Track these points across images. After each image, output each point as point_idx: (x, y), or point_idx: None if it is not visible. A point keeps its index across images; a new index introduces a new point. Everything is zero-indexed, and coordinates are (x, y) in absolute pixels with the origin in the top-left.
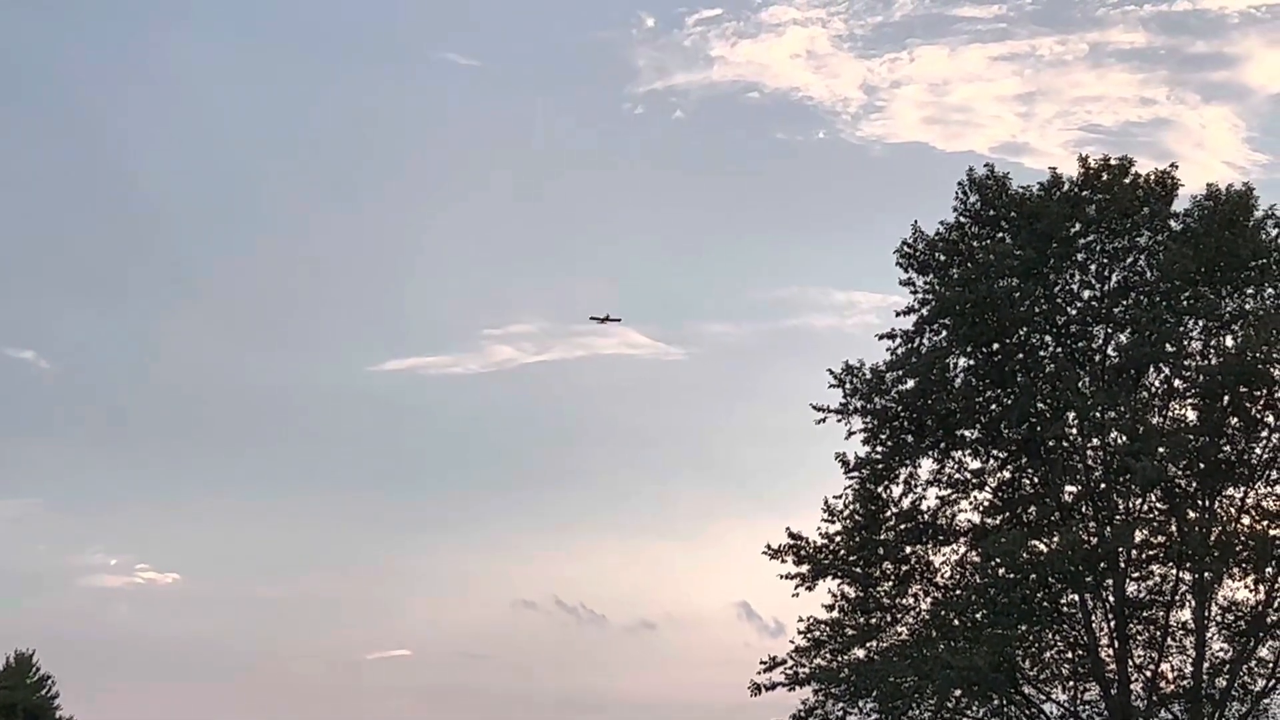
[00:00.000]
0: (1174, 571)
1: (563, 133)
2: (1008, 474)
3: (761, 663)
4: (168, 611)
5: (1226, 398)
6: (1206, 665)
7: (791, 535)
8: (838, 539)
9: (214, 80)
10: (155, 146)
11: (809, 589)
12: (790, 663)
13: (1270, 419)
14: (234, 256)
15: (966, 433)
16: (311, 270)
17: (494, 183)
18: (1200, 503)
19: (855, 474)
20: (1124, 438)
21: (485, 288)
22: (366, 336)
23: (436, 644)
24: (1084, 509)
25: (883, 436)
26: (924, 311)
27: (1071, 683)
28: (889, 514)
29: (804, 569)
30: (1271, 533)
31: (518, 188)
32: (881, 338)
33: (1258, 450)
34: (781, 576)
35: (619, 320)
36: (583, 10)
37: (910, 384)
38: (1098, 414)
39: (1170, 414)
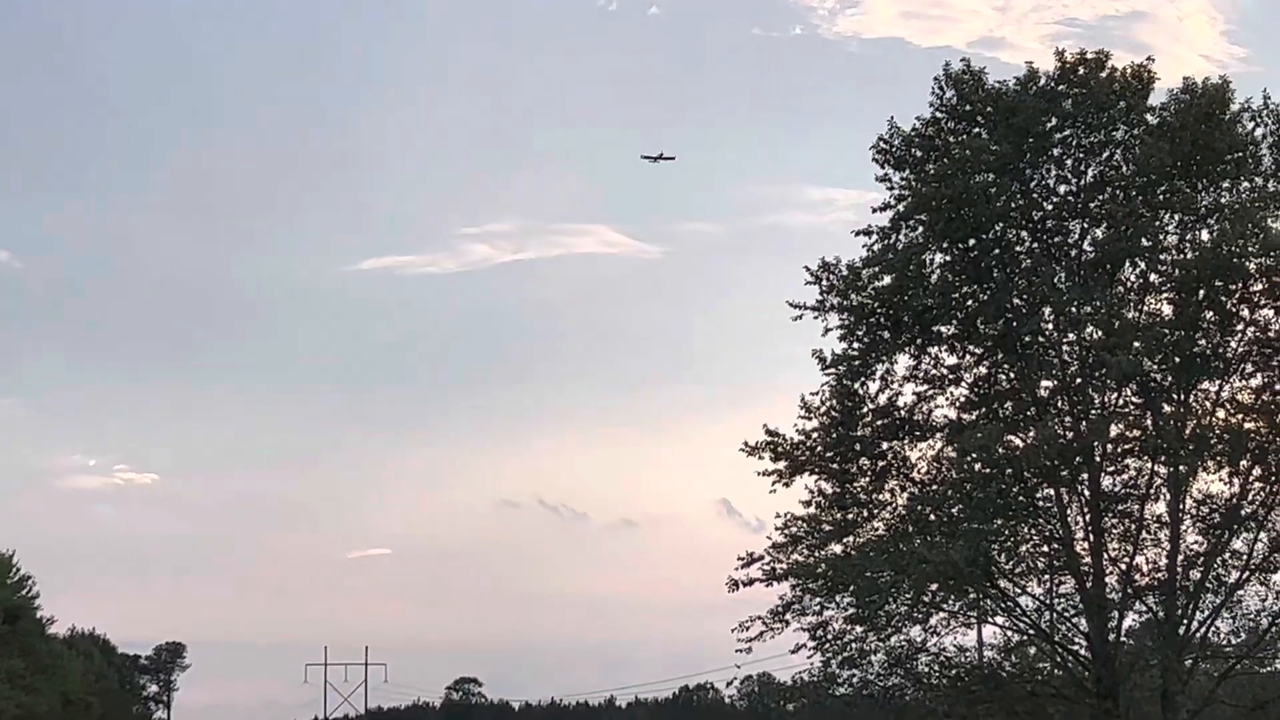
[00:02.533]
0: (1149, 465)
1: (537, 29)
2: (984, 369)
3: (739, 559)
4: (147, 511)
5: (1202, 292)
6: (1181, 558)
7: (769, 432)
8: (815, 435)
9: None
10: (120, 43)
11: (786, 485)
12: (768, 559)
13: (1245, 313)
14: (206, 154)
15: (943, 328)
16: (284, 168)
17: (468, 81)
18: (1175, 397)
19: (832, 370)
20: (1099, 332)
21: (460, 187)
22: (341, 235)
23: (416, 542)
24: (1060, 404)
25: (859, 333)
26: (900, 208)
27: (1047, 576)
28: (865, 410)
29: (781, 465)
30: (1246, 426)
31: (492, 87)
32: (858, 234)
33: (1232, 344)
34: (759, 473)
35: (673, 159)
36: None
37: (887, 280)
38: (1073, 309)
39: (1146, 308)
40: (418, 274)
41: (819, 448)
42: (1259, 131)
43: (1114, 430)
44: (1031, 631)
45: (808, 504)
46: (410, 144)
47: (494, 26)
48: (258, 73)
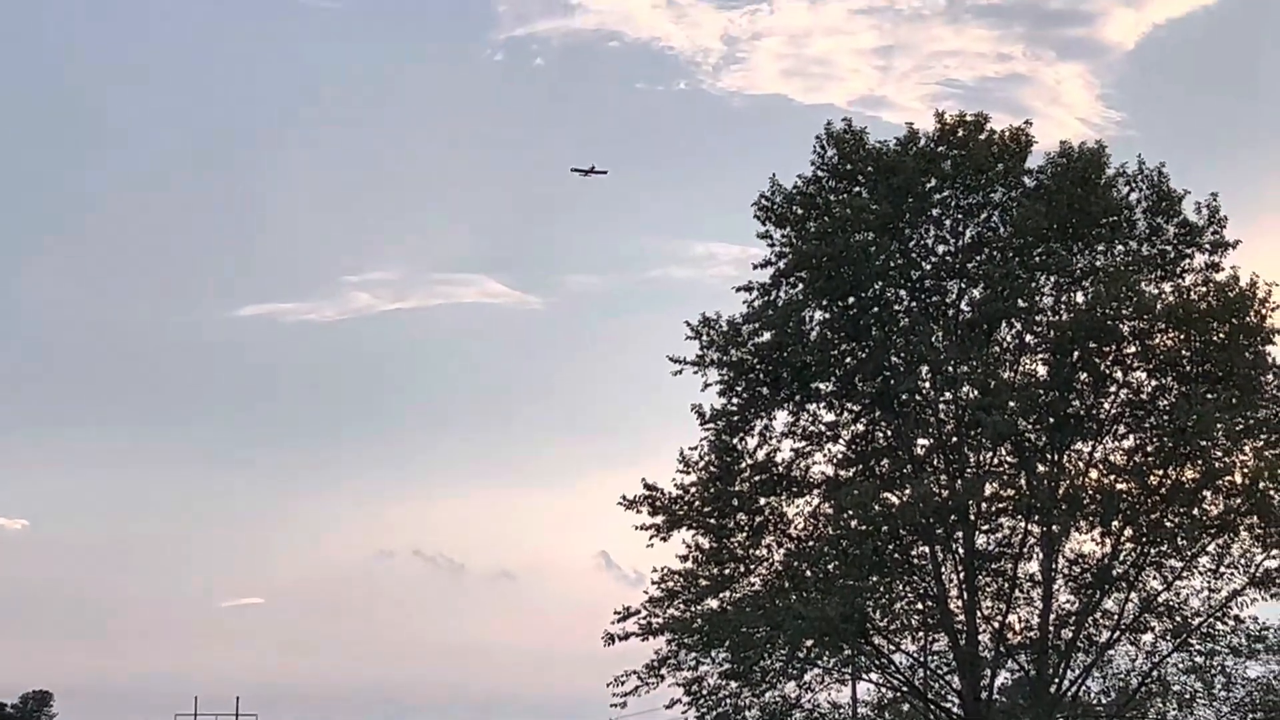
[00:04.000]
0: (1023, 524)
1: (424, 78)
2: (862, 426)
3: (615, 613)
4: (17, 557)
5: (1076, 353)
6: (1053, 617)
7: (647, 486)
8: (693, 490)
9: (64, 15)
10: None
11: (664, 540)
12: (644, 613)
13: (1118, 374)
14: (83, 198)
15: (822, 385)
16: (163, 213)
17: (351, 127)
18: (1049, 457)
19: (711, 425)
20: (976, 392)
21: (343, 234)
22: (223, 281)
23: (290, 592)
24: (936, 462)
25: (739, 388)
26: (781, 265)
27: (921, 633)
28: (744, 466)
29: (659, 520)
30: (1118, 486)
31: (376, 133)
32: (739, 290)
33: (1106, 405)
34: (637, 527)
35: (604, 173)
36: None
37: (767, 336)
38: (950, 368)
39: (1021, 368)
40: (298, 321)
41: (697, 502)
42: (1133, 196)
43: (989, 489)
44: (905, 688)
45: (685, 559)
46: (292, 190)
47: (379, 73)
48: (137, 115)
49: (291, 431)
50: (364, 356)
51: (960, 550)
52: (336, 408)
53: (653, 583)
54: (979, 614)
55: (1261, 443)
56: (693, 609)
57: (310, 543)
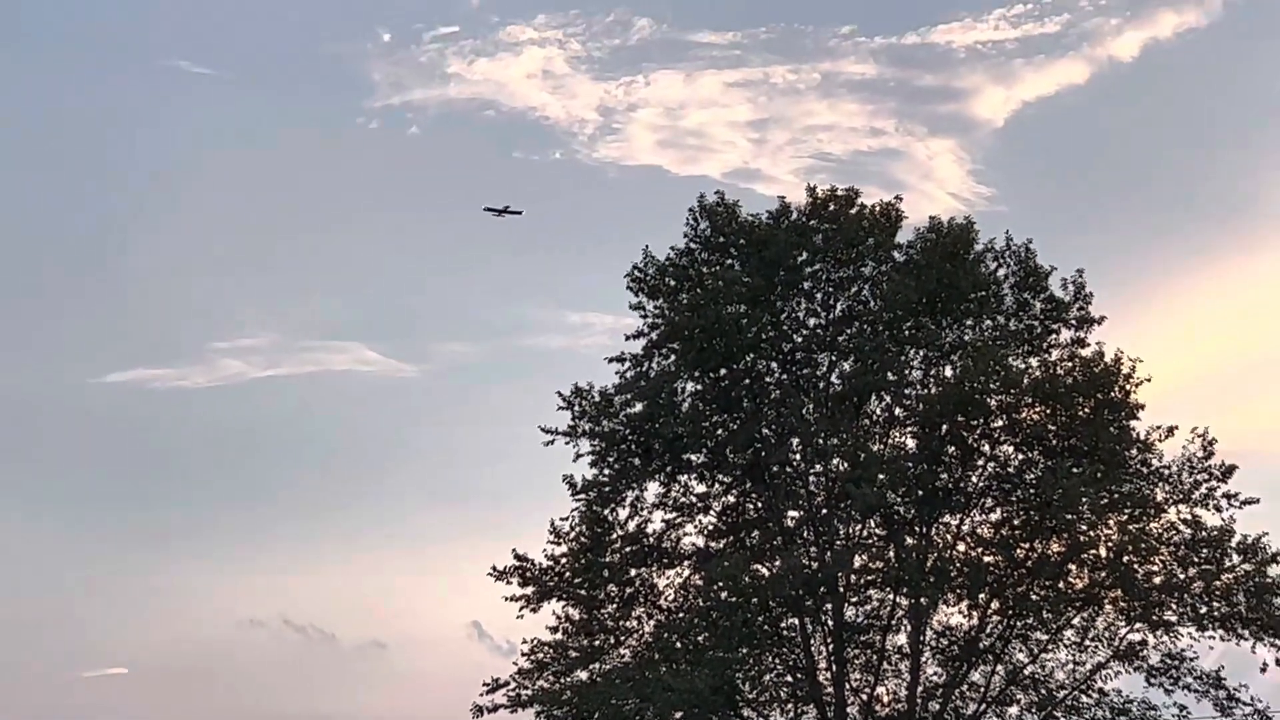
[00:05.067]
0: (891, 596)
1: (296, 145)
2: (732, 498)
3: (484, 684)
4: None
5: (945, 426)
6: (921, 689)
7: (518, 557)
8: (563, 561)
9: None
10: None
11: (534, 611)
12: (513, 685)
13: (986, 448)
14: None
15: (693, 457)
16: (25, 274)
17: (222, 192)
18: (918, 529)
19: (582, 496)
20: (845, 464)
21: (213, 300)
22: (89, 347)
23: (156, 662)
24: (805, 534)
25: (610, 459)
26: (653, 336)
27: (790, 705)
28: (615, 536)
29: (529, 591)
30: (985, 559)
31: (247, 199)
32: (611, 361)
33: (973, 478)
34: (507, 599)
35: (519, 213)
36: (318, 22)
37: (638, 407)
38: (820, 440)
39: (890, 441)
40: (168, 388)
41: (567, 573)
42: (1001, 271)
43: (858, 561)
44: None
45: (555, 630)
46: (161, 254)
47: (253, 139)
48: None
49: (160, 498)
50: (234, 423)
51: (829, 622)
52: (207, 475)
53: (523, 654)
54: (847, 686)
55: (1125, 517)
56: (562, 680)
57: (178, 611)
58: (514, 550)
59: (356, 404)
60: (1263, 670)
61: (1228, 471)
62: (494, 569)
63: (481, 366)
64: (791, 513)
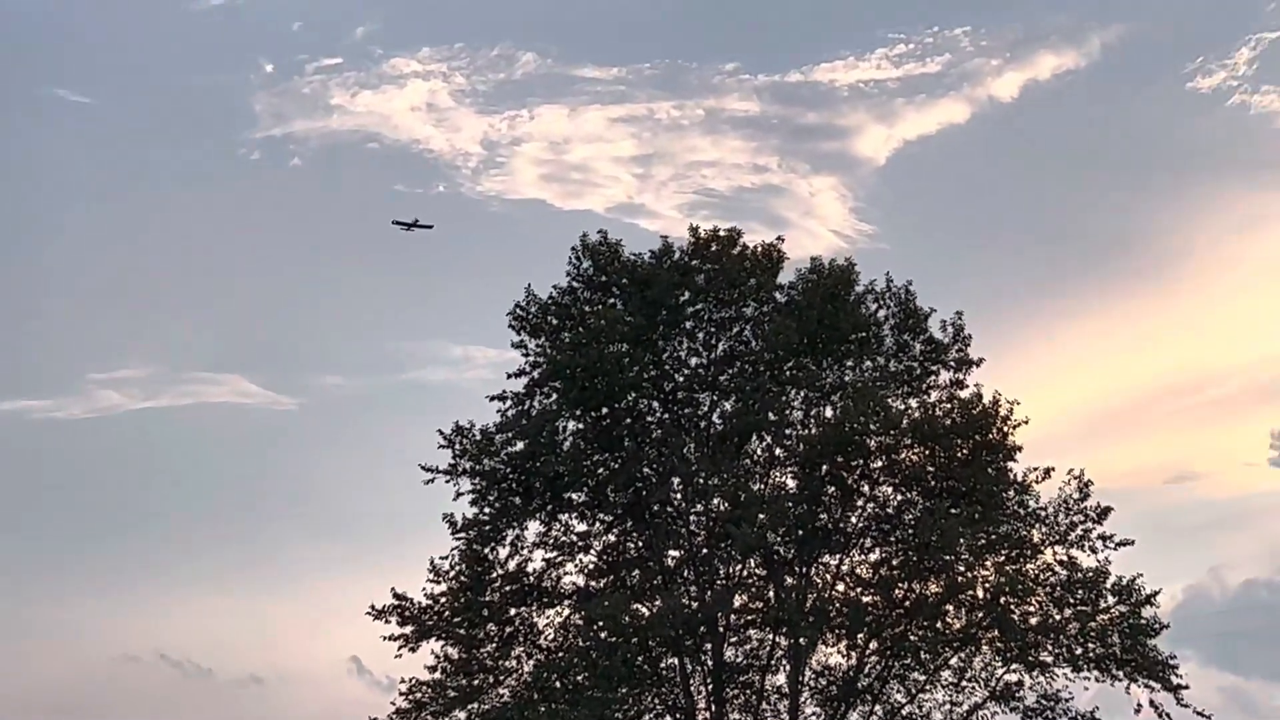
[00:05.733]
0: (771, 636)
1: (176, 175)
2: (613, 537)
3: None
4: None
5: (825, 466)
6: None
7: (396, 596)
8: (443, 600)
9: None
10: None
11: (413, 650)
12: None
13: (865, 489)
14: None
15: (574, 496)
16: None
17: (100, 223)
18: (798, 569)
19: (462, 535)
20: (726, 504)
21: (89, 331)
22: None
23: (24, 699)
24: (686, 573)
25: (491, 498)
26: (535, 374)
27: None
28: (495, 575)
29: (408, 630)
30: (864, 599)
31: (125, 229)
32: (493, 399)
33: (853, 518)
34: (385, 638)
35: (430, 227)
36: (201, 52)
37: (520, 446)
38: (701, 480)
39: (771, 481)
40: (42, 419)
41: (447, 612)
42: (881, 313)
43: (738, 601)
44: None
45: (434, 669)
46: (37, 285)
47: (131, 170)
48: None
49: (32, 531)
50: (111, 455)
51: (709, 662)
52: (81, 507)
53: (400, 694)
54: None
55: (1003, 558)
56: None
57: (50, 647)
58: (393, 589)
59: (235, 436)
60: (1136, 711)
61: (1103, 513)
62: (372, 608)
63: (362, 399)
64: (672, 552)
